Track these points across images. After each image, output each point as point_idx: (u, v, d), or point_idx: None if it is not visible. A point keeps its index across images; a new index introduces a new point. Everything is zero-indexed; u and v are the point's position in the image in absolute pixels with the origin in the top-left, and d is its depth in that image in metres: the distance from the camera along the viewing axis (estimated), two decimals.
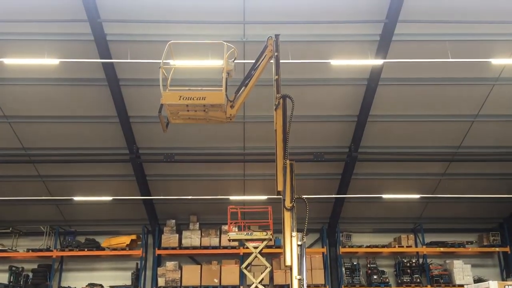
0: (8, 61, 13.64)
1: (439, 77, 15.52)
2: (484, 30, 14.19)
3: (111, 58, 14.50)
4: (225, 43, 8.49)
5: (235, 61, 8.85)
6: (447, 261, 20.25)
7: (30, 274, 20.07)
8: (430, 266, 20.14)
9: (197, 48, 13.45)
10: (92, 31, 13.72)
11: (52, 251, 20.00)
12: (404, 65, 14.65)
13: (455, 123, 17.03)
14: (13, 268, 19.80)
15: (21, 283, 19.87)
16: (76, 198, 18.81)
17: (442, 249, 20.17)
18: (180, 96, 8.07)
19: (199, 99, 8.03)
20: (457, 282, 19.20)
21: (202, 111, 8.33)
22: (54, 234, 20.71)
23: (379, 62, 14.41)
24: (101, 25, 13.75)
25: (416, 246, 20.62)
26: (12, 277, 19.64)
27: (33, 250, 20.01)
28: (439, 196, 19.18)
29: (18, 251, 20.31)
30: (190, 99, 8.02)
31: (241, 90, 8.89)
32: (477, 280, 19.37)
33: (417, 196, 19.12)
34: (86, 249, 19.78)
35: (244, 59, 13.70)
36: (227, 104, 8.38)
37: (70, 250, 19.81)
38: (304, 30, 14.13)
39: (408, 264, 20.01)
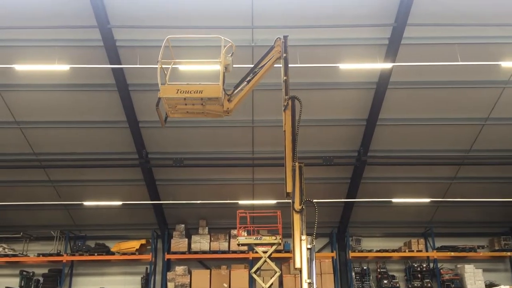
0: (20, 67, 13.78)
1: (449, 80, 15.47)
2: (494, 33, 14.12)
3: (120, 64, 14.61)
4: (222, 37, 8.51)
5: (233, 56, 8.85)
6: (458, 266, 20.07)
7: (41, 279, 20.21)
8: (441, 270, 19.96)
9: (200, 52, 13.54)
10: (102, 37, 13.85)
11: (62, 255, 20.10)
12: (413, 68, 14.62)
13: (465, 126, 16.94)
14: (24, 273, 19.93)
15: (32, 287, 20.00)
16: (86, 203, 18.90)
17: (453, 254, 20.02)
18: (178, 90, 8.11)
19: (196, 93, 8.06)
20: (469, 286, 19.01)
21: (200, 104, 8.37)
22: (64, 238, 20.84)
23: (388, 65, 14.39)
24: (110, 31, 13.88)
25: (427, 250, 20.46)
26: (23, 282, 19.77)
27: (43, 255, 20.14)
28: (450, 200, 19.06)
29: (29, 256, 20.42)
30: (188, 93, 8.06)
31: (242, 86, 8.90)
32: (489, 285, 19.23)
33: (427, 200, 19.02)
34: (96, 254, 19.86)
35: (252, 64, 13.68)
36: (224, 98, 8.40)
37: (80, 255, 19.90)
38: (313, 34, 14.15)
39: (419, 269, 19.87)
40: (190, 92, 8.06)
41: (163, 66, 8.51)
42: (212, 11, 13.51)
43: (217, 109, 8.55)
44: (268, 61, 9.13)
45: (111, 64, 14.37)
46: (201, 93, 8.08)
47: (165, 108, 8.57)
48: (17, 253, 20.35)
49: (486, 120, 16.71)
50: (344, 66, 13.98)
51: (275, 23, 13.61)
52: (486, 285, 19.08)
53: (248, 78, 9.01)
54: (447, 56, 14.09)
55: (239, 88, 8.86)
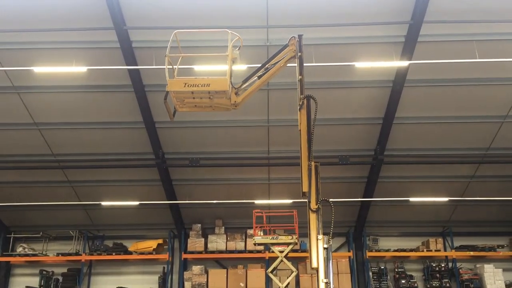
0: (38, 69, 13.96)
1: (467, 77, 15.26)
2: None
3: (136, 65, 14.72)
4: (229, 31, 8.52)
5: (239, 49, 8.84)
6: (478, 265, 19.82)
7: (60, 278, 20.49)
8: (460, 270, 19.74)
9: (211, 52, 13.57)
10: (118, 39, 13.97)
11: (81, 255, 20.35)
12: (430, 66, 14.47)
13: (484, 124, 16.71)
14: (44, 272, 20.23)
15: (52, 287, 20.29)
16: (104, 203, 19.10)
17: (472, 253, 19.78)
18: (185, 83, 8.14)
19: (204, 86, 8.08)
20: (488, 286, 18.78)
21: (207, 98, 8.38)
22: (83, 238, 21.08)
23: (404, 63, 14.25)
24: (126, 32, 13.99)
25: (445, 250, 20.24)
26: (42, 281, 20.08)
27: (62, 254, 20.40)
28: (468, 199, 18.82)
29: (48, 255, 20.71)
30: (195, 86, 8.08)
31: (252, 80, 8.88)
32: (509, 285, 19.00)
33: (446, 199, 18.80)
34: (114, 253, 20.06)
35: None
36: (232, 91, 8.41)
37: (98, 254, 20.13)
38: (328, 33, 14.07)
39: (437, 269, 19.67)
40: (198, 86, 8.10)
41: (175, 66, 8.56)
42: (227, 11, 13.53)
43: (225, 103, 8.56)
44: (282, 59, 9.10)
45: (127, 65, 14.49)
46: (209, 86, 8.11)
47: (173, 102, 8.64)
48: (37, 252, 20.67)
49: (505, 117, 16.45)
50: (360, 64, 13.87)
51: (290, 23, 13.58)
52: (506, 285, 18.83)
53: (259, 74, 8.99)
54: (465, 53, 13.90)
55: (248, 83, 8.84)
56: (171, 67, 8.44)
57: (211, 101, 8.50)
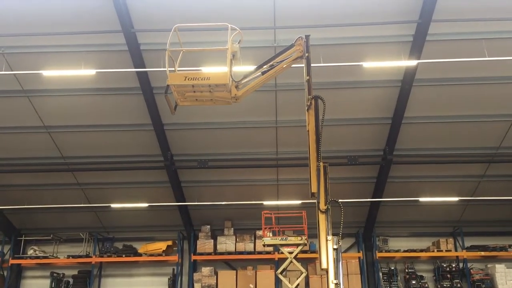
0: (47, 73, 14.02)
1: (476, 76, 15.15)
2: None
3: (145, 67, 14.77)
4: (229, 25, 8.51)
5: (240, 43, 8.84)
6: (489, 266, 19.67)
7: (71, 280, 20.58)
8: (471, 270, 19.60)
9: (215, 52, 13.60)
10: (126, 41, 14.03)
11: (91, 257, 20.45)
12: (439, 65, 14.36)
13: (493, 123, 16.57)
14: (55, 275, 20.34)
15: None
16: (113, 205, 19.19)
17: (483, 253, 19.63)
18: (186, 77, 8.19)
19: (204, 79, 8.12)
20: (500, 287, 18.64)
21: (208, 91, 8.42)
22: (93, 240, 21.18)
23: (413, 63, 14.18)
24: (134, 35, 14.06)
25: (456, 250, 20.11)
26: (53, 283, 20.19)
27: (73, 257, 20.50)
28: (479, 198, 18.67)
29: (59, 258, 20.81)
30: (195, 79, 8.13)
31: (254, 75, 8.86)
32: None
33: (456, 198, 18.66)
34: (124, 255, 20.17)
35: None
36: (232, 85, 8.42)
37: (108, 256, 20.23)
38: (336, 33, 14.04)
39: (448, 269, 19.55)
40: (198, 79, 8.14)
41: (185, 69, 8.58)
42: (235, 13, 13.51)
43: (225, 96, 8.58)
44: (287, 58, 9.08)
45: (135, 68, 14.55)
46: (209, 79, 8.15)
47: (174, 97, 8.68)
48: (48, 255, 20.80)
49: None
50: (368, 64, 13.80)
51: (298, 23, 13.54)
52: None
53: (263, 70, 8.98)
54: (474, 52, 13.79)
55: (250, 77, 8.83)
56: (173, 69, 8.45)
57: (212, 94, 8.54)
